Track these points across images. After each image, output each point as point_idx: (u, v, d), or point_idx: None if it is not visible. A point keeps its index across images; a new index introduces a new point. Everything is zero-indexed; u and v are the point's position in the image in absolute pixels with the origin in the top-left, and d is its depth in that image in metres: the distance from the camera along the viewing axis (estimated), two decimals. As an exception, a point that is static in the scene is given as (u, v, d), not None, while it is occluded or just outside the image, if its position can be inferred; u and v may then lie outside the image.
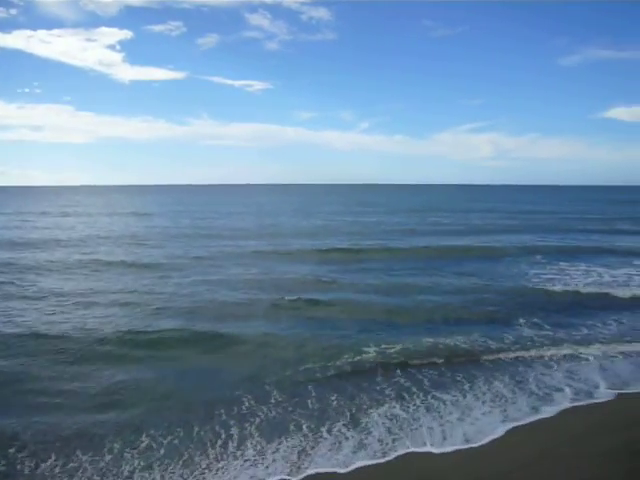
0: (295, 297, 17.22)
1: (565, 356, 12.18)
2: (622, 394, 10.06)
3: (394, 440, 8.37)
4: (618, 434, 8.16)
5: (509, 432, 8.67)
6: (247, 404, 9.57)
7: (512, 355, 12.28)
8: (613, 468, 7.06)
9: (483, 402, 9.84)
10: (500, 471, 7.34)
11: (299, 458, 7.78)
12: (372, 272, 22.59)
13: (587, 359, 11.99)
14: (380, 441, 8.32)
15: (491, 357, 12.18)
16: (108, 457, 7.81)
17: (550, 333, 13.87)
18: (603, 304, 16.74)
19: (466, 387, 10.47)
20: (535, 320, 14.94)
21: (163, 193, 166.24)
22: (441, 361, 11.76)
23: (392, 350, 12.26)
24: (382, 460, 7.81)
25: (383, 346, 12.46)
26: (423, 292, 18.39)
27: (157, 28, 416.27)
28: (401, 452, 8.02)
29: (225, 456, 7.86)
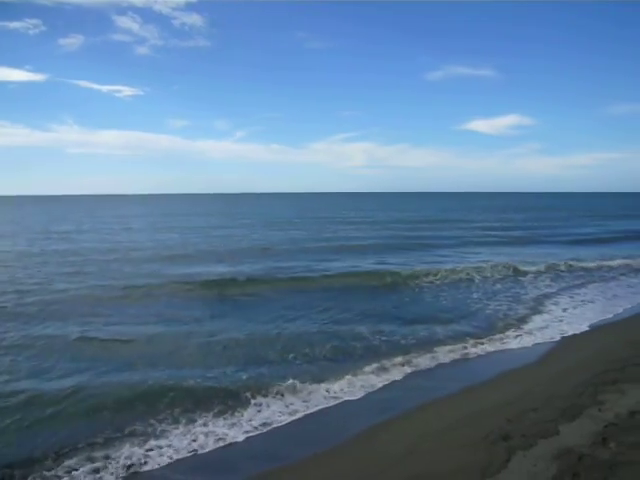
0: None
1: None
2: (468, 387, 10.72)
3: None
4: (475, 426, 8.53)
5: (373, 430, 8.79)
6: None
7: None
8: (478, 456, 7.33)
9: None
10: (371, 471, 7.33)
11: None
12: (211, 317, 16.68)
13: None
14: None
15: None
16: None
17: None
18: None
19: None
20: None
21: (14, 205, 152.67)
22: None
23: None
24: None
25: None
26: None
27: (12, 25, 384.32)
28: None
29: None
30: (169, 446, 8.22)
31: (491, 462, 7.09)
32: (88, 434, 8.59)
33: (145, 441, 8.37)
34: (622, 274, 24.71)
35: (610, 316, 16.41)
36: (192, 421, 9.10)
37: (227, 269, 25.71)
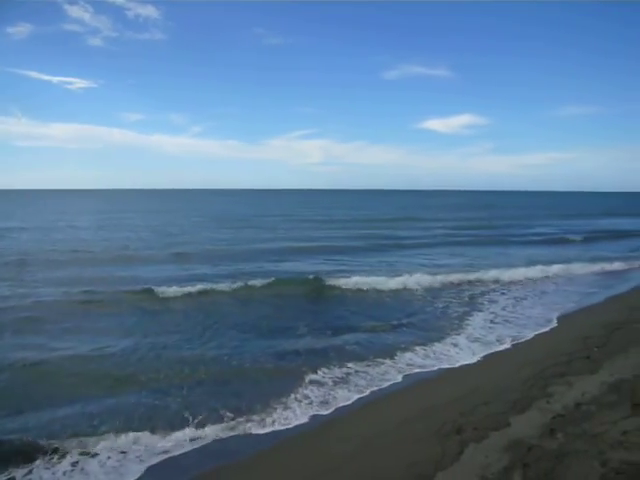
0: None
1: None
2: (420, 384, 10.88)
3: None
4: (428, 420, 8.64)
5: (325, 427, 8.82)
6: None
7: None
8: (431, 450, 7.43)
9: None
10: (325, 468, 7.32)
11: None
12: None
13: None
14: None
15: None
16: None
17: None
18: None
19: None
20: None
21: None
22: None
23: None
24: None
25: None
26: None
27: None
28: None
29: None
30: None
31: (444, 455, 7.18)
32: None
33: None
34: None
35: (556, 314, 16.90)
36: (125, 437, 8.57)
37: (162, 274, 23.48)
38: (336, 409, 9.63)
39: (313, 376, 11.28)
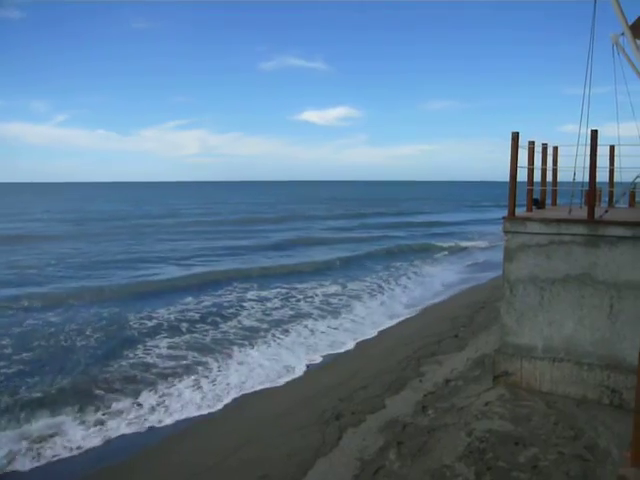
0: None
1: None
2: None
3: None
4: (310, 408, 8.76)
5: (208, 423, 8.76)
6: None
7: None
8: (312, 437, 7.51)
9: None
10: (208, 463, 7.18)
11: None
12: None
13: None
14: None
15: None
16: None
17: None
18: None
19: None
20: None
21: None
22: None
23: None
24: None
25: None
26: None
27: None
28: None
29: None
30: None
31: (324, 442, 7.27)
32: None
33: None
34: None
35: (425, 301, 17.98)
36: None
37: None
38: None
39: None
